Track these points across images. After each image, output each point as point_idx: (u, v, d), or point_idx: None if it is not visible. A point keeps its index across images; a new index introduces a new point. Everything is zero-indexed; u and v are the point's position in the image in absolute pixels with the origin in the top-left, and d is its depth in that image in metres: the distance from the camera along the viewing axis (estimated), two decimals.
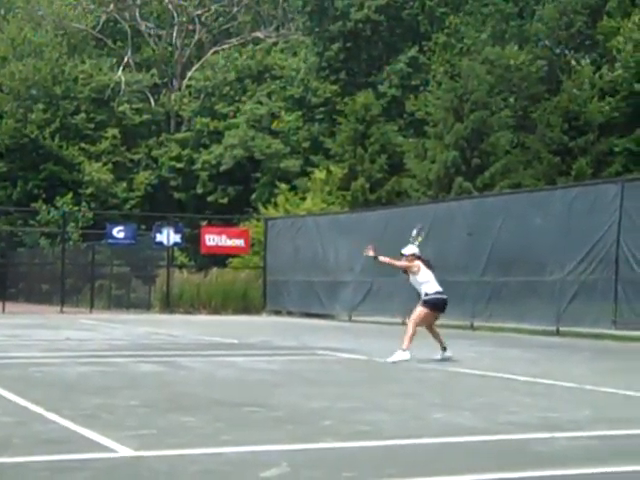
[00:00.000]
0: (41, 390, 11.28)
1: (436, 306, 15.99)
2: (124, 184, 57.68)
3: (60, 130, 58.28)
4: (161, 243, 37.19)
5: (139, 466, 6.85)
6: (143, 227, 43.79)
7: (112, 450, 7.34)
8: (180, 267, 41.14)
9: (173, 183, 59.27)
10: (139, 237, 39.20)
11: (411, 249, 16.35)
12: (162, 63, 64.46)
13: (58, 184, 56.71)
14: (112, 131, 59.12)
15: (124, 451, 7.28)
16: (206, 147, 58.29)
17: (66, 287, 39.86)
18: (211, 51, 63.36)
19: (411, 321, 15.78)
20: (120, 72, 61.86)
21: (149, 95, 62.48)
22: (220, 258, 42.61)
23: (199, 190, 57.63)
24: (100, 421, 8.81)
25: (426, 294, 15.90)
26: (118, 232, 37.40)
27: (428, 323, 16.09)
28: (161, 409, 9.83)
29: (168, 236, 36.90)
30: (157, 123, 62.66)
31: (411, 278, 16.24)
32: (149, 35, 65.16)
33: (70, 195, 54.66)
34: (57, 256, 43.32)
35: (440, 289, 16.11)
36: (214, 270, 39.39)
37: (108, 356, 16.47)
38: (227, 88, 60.45)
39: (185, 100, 61.50)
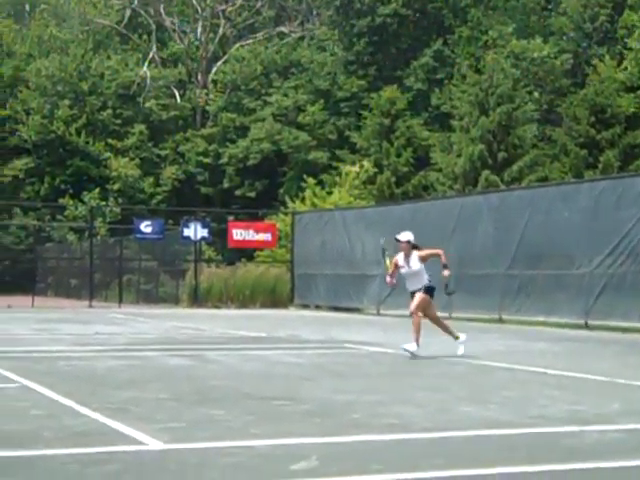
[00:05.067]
0: (71, 384, 11.34)
1: (432, 291, 15.46)
2: (151, 179, 57.89)
3: (87, 126, 58.56)
4: (188, 238, 37.29)
5: (169, 459, 6.88)
6: (170, 222, 43.93)
7: (142, 443, 7.38)
8: (207, 261, 41.23)
9: (200, 178, 59.41)
10: (167, 232, 39.31)
11: (407, 235, 15.60)
12: (187, 58, 64.56)
13: (85, 179, 57.01)
14: (139, 127, 59.34)
15: (154, 444, 7.30)
16: (232, 141, 58.37)
17: (94, 282, 40.03)
18: (236, 46, 63.42)
19: (414, 311, 15.27)
20: (146, 68, 62.04)
21: (175, 90, 62.62)
22: (247, 252, 42.70)
23: (226, 185, 57.75)
24: (130, 414, 8.85)
25: (428, 281, 15.37)
26: (146, 227, 37.52)
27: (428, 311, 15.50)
28: (190, 402, 9.86)
29: (195, 231, 37.00)
30: (183, 118, 62.79)
31: (408, 270, 15.48)
32: (174, 30, 65.31)
33: (97, 190, 54.92)
34: (85, 251, 43.56)
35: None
36: (242, 264, 39.48)
37: (137, 350, 16.53)
38: (253, 82, 60.49)
39: (211, 95, 61.59)
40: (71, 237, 52.04)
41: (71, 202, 53.84)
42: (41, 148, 58.56)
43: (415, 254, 15.40)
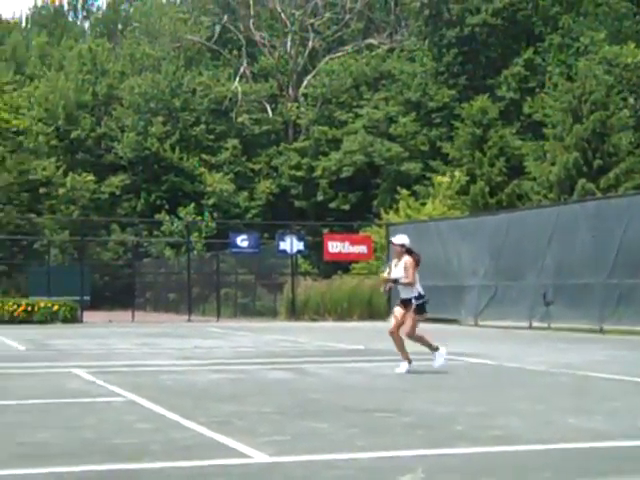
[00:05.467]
0: (174, 397, 11.46)
1: (423, 309, 14.65)
2: (245, 193, 58.34)
3: (180, 142, 59.30)
4: (284, 251, 37.51)
5: (275, 472, 6.92)
6: (266, 235, 44.22)
7: (248, 456, 7.42)
8: (304, 274, 41.38)
9: (294, 191, 59.69)
10: (262, 246, 39.59)
11: (401, 238, 14.73)
12: (278, 72, 64.98)
13: (180, 195, 57.68)
14: (232, 142, 59.90)
15: (260, 457, 7.35)
16: (325, 154, 58.55)
17: (192, 296, 40.43)
18: (325, 59, 63.65)
19: (410, 334, 14.56)
20: (237, 83, 62.60)
21: (266, 105, 63.06)
22: (342, 264, 42.76)
23: (319, 197, 57.93)
24: (234, 427, 8.91)
25: (419, 295, 14.47)
26: (242, 241, 37.84)
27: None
28: (293, 415, 9.90)
29: (291, 244, 37.21)
30: (276, 132, 63.19)
31: (395, 276, 14.57)
32: (263, 45, 65.80)
33: (192, 205, 55.53)
34: (182, 266, 44.08)
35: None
36: (337, 277, 39.54)
37: (237, 364, 16.64)
38: (344, 95, 60.64)
39: (302, 109, 61.88)
40: (168, 252, 52.68)
41: (167, 217, 54.53)
42: (136, 165, 59.46)
43: (404, 260, 14.47)
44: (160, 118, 59.64)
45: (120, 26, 79.04)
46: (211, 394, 11.95)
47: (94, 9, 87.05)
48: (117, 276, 52.93)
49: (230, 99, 61.62)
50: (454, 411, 10.09)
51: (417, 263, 14.51)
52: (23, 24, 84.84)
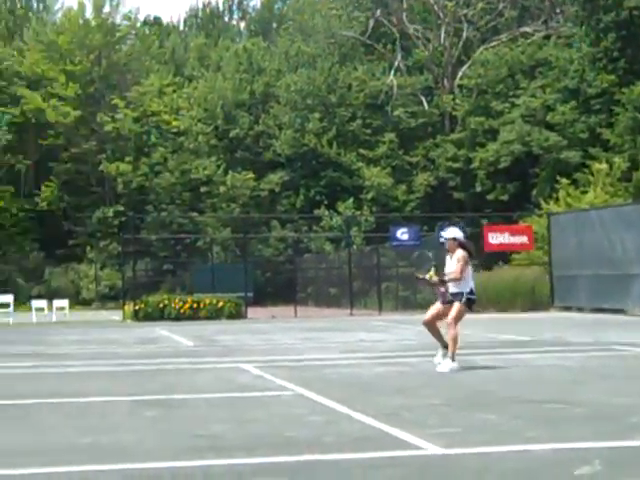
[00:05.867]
0: (342, 390, 11.55)
1: (470, 305, 14.13)
2: (403, 187, 58.27)
3: (337, 137, 59.61)
4: (445, 243, 37.32)
5: (449, 463, 6.92)
6: (425, 228, 44.08)
7: (420, 448, 7.45)
8: None
9: (451, 183, 59.33)
10: (422, 238, 39.49)
11: (454, 232, 14.34)
12: (432, 64, 64.69)
13: (339, 190, 58.00)
14: (389, 135, 59.90)
15: (432, 449, 7.36)
16: (482, 145, 58.01)
17: (353, 290, 40.61)
18: (480, 49, 63.01)
19: (451, 322, 13.98)
20: (392, 76, 62.57)
21: (422, 97, 62.86)
22: (502, 255, 42.31)
23: (478, 188, 57.41)
24: (404, 420, 8.94)
25: (471, 290, 14.01)
26: (402, 234, 37.84)
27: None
28: (461, 407, 9.87)
29: None
30: (432, 125, 62.90)
31: (448, 270, 14.08)
32: (417, 38, 65.55)
33: (351, 200, 55.79)
34: (343, 260, 44.31)
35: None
36: (498, 267, 39.13)
37: (401, 356, 16.68)
38: (499, 85, 59.96)
39: (457, 100, 61.45)
40: (328, 247, 53.04)
41: (326, 213, 54.92)
42: (295, 161, 60.06)
43: (456, 255, 14.02)
44: (317, 114, 60.08)
45: (275, 24, 79.96)
46: (378, 387, 12.01)
47: (250, 9, 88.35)
48: (278, 272, 53.60)
49: (385, 93, 61.63)
50: (629, 403, 9.91)
51: (470, 256, 14.11)
52: (181, 27, 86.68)
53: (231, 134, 61.65)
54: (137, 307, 35.07)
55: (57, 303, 37.84)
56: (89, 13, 68.17)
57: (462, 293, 13.93)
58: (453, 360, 13.92)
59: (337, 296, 44.93)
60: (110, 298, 54.70)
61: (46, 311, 37.10)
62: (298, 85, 61.06)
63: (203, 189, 59.44)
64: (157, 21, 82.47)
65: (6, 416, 9.74)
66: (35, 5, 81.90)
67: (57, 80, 63.44)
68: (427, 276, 14.53)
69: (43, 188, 62.09)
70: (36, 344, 21.88)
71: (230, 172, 59.19)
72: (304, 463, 6.96)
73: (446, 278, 14.02)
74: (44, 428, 8.87)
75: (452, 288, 13.99)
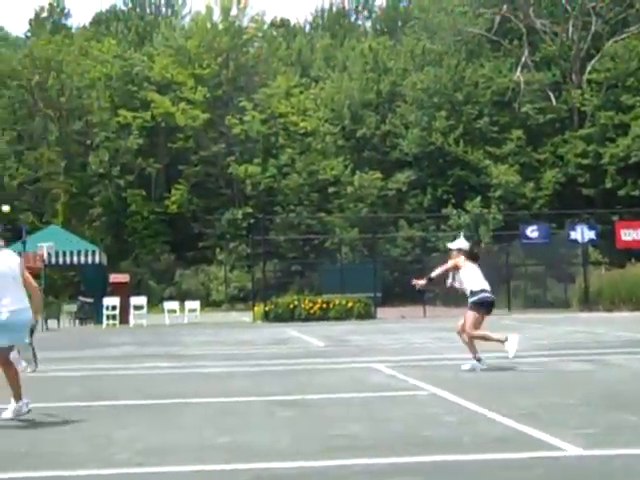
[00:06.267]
0: (476, 390, 11.49)
1: (482, 306, 14.27)
2: (531, 184, 57.61)
3: (464, 135, 59.28)
4: (575, 241, 36.82)
5: (591, 465, 6.83)
6: (553, 225, 43.48)
7: (560, 449, 7.37)
8: (594, 264, 40.40)
9: (580, 180, 58.41)
10: (551, 236, 38.98)
11: (459, 243, 14.67)
12: (560, 59, 63.73)
13: (466, 188, 57.66)
14: (516, 132, 59.32)
15: (572, 450, 7.28)
16: (612, 140, 56.97)
17: None
18: (609, 42, 61.82)
19: (468, 332, 14.29)
20: (519, 72, 61.89)
21: (550, 93, 62.00)
22: (635, 252, 41.45)
23: (608, 185, 56.41)
24: (541, 420, 8.84)
25: (471, 292, 14.22)
26: (532, 232, 37.49)
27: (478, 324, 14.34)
28: (600, 407, 9.72)
29: (582, 233, 36.51)
30: (560, 120, 62.03)
31: (456, 278, 14.45)
32: (544, 32, 64.66)
33: (479, 198, 55.40)
34: None
35: (487, 286, 14.35)
36: (631, 265, 38.33)
37: (534, 356, 16.48)
38: (630, 78, 58.77)
39: (586, 95, 60.44)
40: None
41: (454, 211, 54.63)
42: (422, 160, 59.93)
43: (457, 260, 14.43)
44: (443, 112, 59.83)
45: (400, 23, 79.86)
46: (513, 386, 11.92)
47: (375, 8, 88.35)
48: (406, 272, 53.36)
49: (512, 89, 61.02)
50: None
51: (474, 259, 14.46)
52: (307, 28, 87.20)
53: (358, 134, 61.85)
54: (267, 308, 35.44)
55: (189, 305, 38.46)
56: (217, 17, 69.18)
57: (469, 301, 14.33)
58: (479, 360, 14.27)
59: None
60: (239, 299, 55.37)
61: (178, 313, 37.74)
62: (424, 83, 60.92)
63: (331, 189, 59.75)
64: (284, 23, 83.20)
65: (150, 415, 9.96)
66: (164, 10, 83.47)
67: (186, 84, 64.54)
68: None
69: (173, 191, 63.21)
70: (171, 345, 22.29)
71: (357, 172, 59.39)
72: (442, 463, 6.96)
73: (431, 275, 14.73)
74: (185, 427, 9.04)
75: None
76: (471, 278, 14.30)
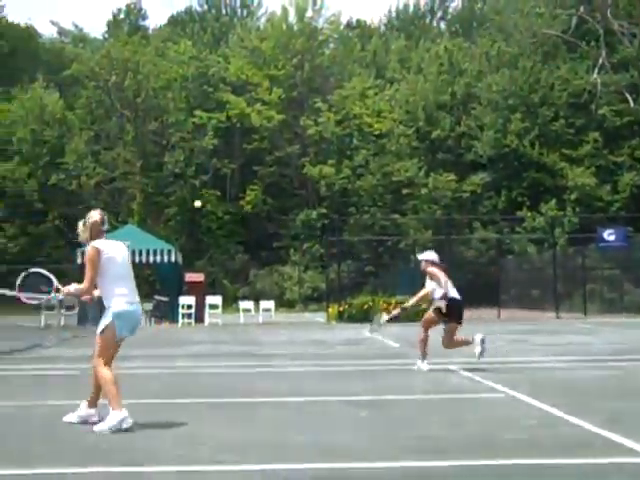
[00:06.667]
0: (554, 393, 11.41)
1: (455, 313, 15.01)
2: (608, 187, 56.96)
3: (539, 137, 58.79)
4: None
5: None
6: (630, 229, 42.96)
7: None
8: None
9: None
10: (629, 239, 38.53)
11: (429, 254, 15.42)
12: (638, 61, 62.91)
13: (542, 191, 57.20)
14: (593, 135, 58.67)
15: None
16: None
17: (558, 292, 39.94)
18: None
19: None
20: (596, 74, 61.22)
21: (627, 95, 61.24)
22: None
23: None
24: (623, 425, 8.77)
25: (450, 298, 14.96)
26: (609, 235, 37.10)
27: (433, 325, 15.13)
28: None
29: None
30: (638, 123, 61.20)
31: (432, 289, 15.05)
32: (622, 34, 63.87)
33: (554, 201, 54.94)
34: (546, 262, 43.64)
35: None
36: None
37: (612, 360, 16.31)
38: None
39: None
40: (531, 249, 52.36)
41: (529, 214, 54.24)
42: (496, 162, 59.56)
43: (429, 273, 15.14)
44: (518, 114, 59.37)
45: (475, 24, 79.49)
46: (591, 390, 11.83)
47: (450, 9, 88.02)
48: (480, 274, 53.14)
49: (589, 91, 60.33)
50: None
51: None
52: (382, 29, 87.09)
53: (432, 135, 61.66)
54: (341, 308, 35.49)
55: (263, 304, 38.65)
56: (292, 18, 69.43)
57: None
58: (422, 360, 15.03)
59: (540, 298, 44.29)
60: (313, 299, 55.51)
61: (252, 312, 37.94)
62: (500, 85, 60.55)
63: (405, 191, 59.62)
64: (359, 24, 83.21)
65: (228, 413, 10.06)
66: (239, 12, 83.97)
67: (261, 85, 64.84)
68: (382, 321, 16.73)
69: (248, 191, 63.53)
70: (246, 344, 22.45)
71: (431, 174, 59.21)
72: (521, 467, 6.95)
73: (436, 295, 15.01)
74: (263, 426, 9.12)
75: (435, 303, 15.09)
76: (451, 285, 15.03)
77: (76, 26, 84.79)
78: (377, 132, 62.64)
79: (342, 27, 75.48)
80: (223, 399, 11.01)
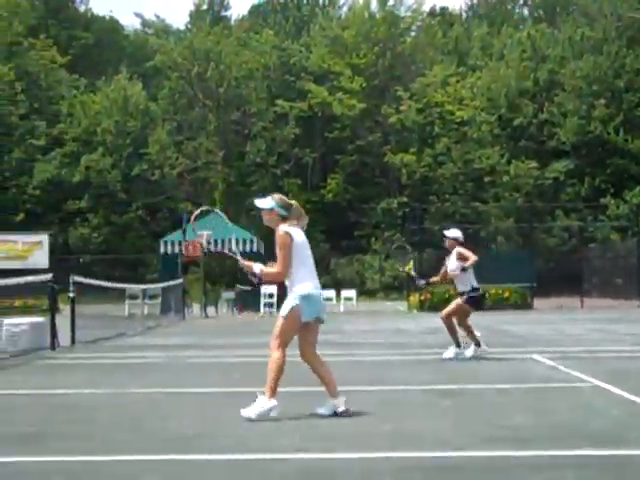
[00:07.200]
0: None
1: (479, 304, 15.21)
2: None
3: (624, 124, 57.97)
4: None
5: None
6: None
7: None
8: None
9: None
10: None
11: (456, 232, 15.14)
12: None
13: (626, 178, 56.43)
14: None
15: None
16: None
17: None
18: None
19: (442, 316, 15.05)
20: None
21: None
22: None
23: None
24: None
25: (472, 289, 14.85)
26: None
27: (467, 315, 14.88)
28: None
29: None
30: None
31: (456, 270, 14.77)
32: None
33: (638, 188, 54.16)
34: (630, 250, 43.02)
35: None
36: None
37: None
38: None
39: None
40: (614, 236, 51.70)
41: (612, 201, 53.56)
42: (580, 149, 58.90)
43: (456, 251, 14.88)
44: (603, 100, 58.64)
45: (558, 9, 78.55)
46: None
47: None
48: (563, 262, 52.58)
49: None
50: None
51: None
52: (464, 16, 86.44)
53: (515, 123, 61.17)
54: (422, 297, 35.42)
55: (345, 293, 38.74)
56: (374, 6, 69.32)
57: (464, 292, 14.79)
58: (457, 346, 14.87)
59: (624, 287, 43.66)
60: (393, 288, 55.46)
61: (334, 301, 38.02)
62: (583, 71, 59.81)
63: (486, 179, 59.28)
64: (441, 11, 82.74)
65: (311, 402, 10.06)
66: (321, 1, 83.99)
67: (343, 74, 64.88)
68: (406, 268, 16.69)
69: (329, 180, 63.68)
70: (329, 333, 22.42)
71: (513, 161, 58.76)
72: (609, 458, 6.86)
73: (455, 271, 14.81)
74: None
75: (458, 286, 14.96)
76: (472, 274, 14.88)
77: (159, 17, 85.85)
78: (458, 120, 62.32)
79: (424, 15, 75.10)
80: (303, 388, 11.01)
